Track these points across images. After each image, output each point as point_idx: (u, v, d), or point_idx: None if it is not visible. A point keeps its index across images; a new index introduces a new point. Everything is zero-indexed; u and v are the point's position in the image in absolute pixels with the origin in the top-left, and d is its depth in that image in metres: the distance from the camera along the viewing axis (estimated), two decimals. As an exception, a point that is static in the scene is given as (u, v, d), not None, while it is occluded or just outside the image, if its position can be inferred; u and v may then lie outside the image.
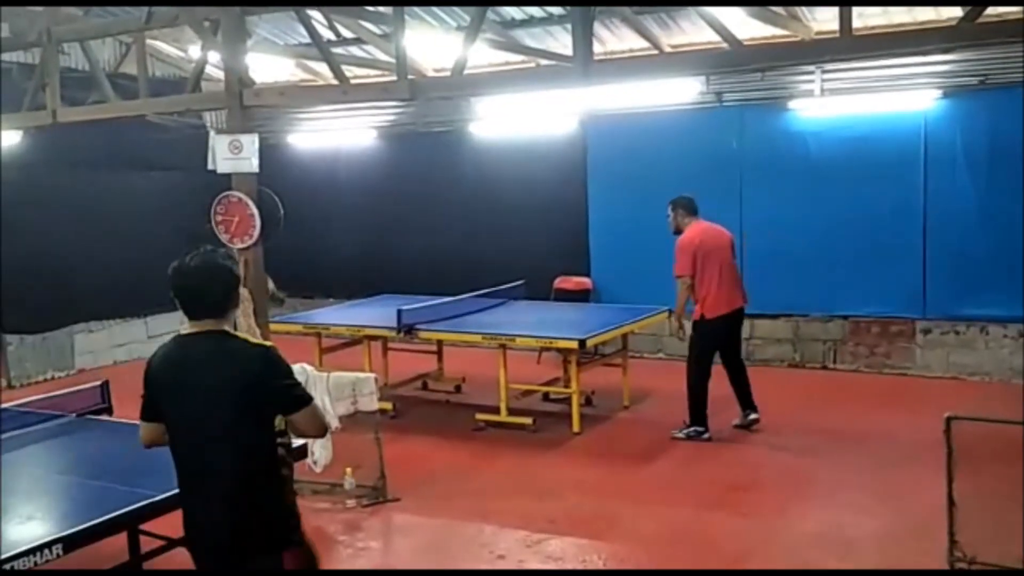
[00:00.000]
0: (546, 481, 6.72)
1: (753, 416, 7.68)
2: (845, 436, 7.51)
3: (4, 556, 3.48)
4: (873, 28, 8.16)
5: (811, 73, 9.38)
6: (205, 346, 3.21)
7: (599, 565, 5.34)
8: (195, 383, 3.17)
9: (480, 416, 8.06)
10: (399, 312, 8.08)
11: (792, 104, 9.63)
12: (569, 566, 5.32)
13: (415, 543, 5.82)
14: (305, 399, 3.27)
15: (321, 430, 3.40)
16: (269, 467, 3.28)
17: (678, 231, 7.59)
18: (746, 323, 9.61)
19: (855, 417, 8.06)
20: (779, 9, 8.49)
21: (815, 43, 7.95)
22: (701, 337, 7.51)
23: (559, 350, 8.19)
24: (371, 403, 6.38)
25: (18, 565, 3.48)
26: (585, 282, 10.67)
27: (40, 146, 9.60)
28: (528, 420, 7.86)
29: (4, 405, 5.81)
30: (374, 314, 9.00)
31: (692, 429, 7.47)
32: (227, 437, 3.16)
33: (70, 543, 3.72)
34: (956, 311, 9.19)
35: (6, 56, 9.05)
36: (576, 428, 7.76)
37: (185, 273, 3.22)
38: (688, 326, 7.67)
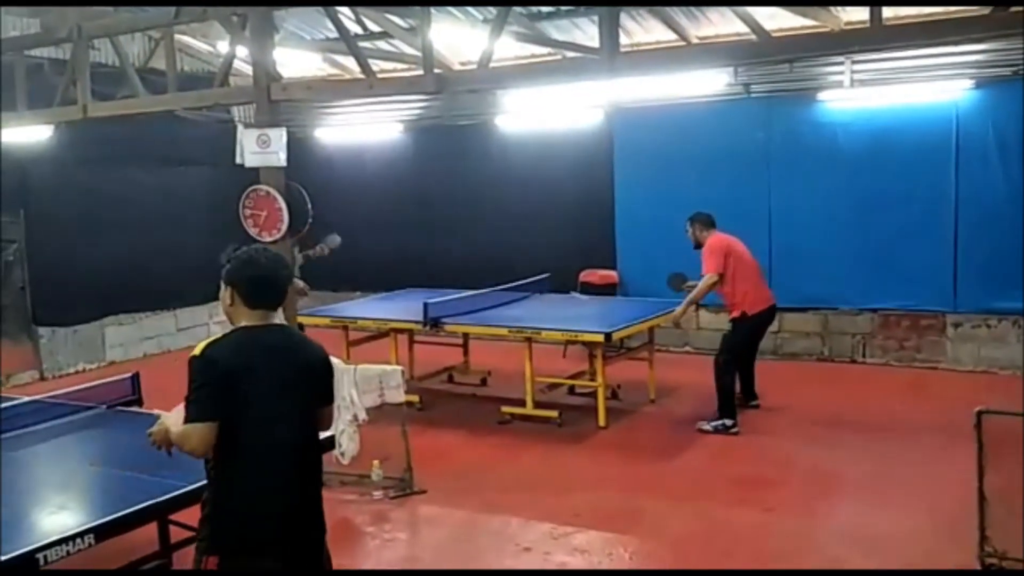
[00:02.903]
0: (572, 474, 6.73)
1: (754, 402, 8.06)
2: (874, 430, 7.45)
3: (38, 545, 3.53)
4: (903, 18, 8.06)
5: (840, 64, 9.28)
6: (279, 336, 3.30)
7: (625, 559, 5.34)
8: (290, 370, 3.22)
9: (506, 409, 8.07)
10: (425, 305, 8.10)
11: (821, 95, 9.54)
12: (595, 559, 5.32)
13: (441, 535, 5.85)
14: (333, 395, 3.58)
15: (331, 425, 3.67)
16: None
17: (698, 245, 7.78)
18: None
19: (884, 411, 7.99)
20: None
21: (844, 34, 7.87)
22: (740, 333, 7.68)
23: (585, 343, 8.19)
24: (398, 395, 6.41)
25: (51, 554, 3.53)
26: (611, 275, 10.64)
27: (71, 141, 9.71)
28: (554, 413, 7.86)
29: (38, 396, 5.88)
30: (400, 307, 9.04)
31: (720, 422, 7.47)
32: (312, 421, 3.34)
33: (102, 533, 3.76)
34: (987, 304, 9.08)
35: (37, 52, 9.16)
36: (602, 422, 7.75)
37: (261, 263, 3.28)
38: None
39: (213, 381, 3.08)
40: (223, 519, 3.18)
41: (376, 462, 6.39)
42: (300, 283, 8.67)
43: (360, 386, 6.33)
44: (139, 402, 5.88)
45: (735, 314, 7.62)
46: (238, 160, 6.72)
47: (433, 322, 8.11)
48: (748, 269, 7.67)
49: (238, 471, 3.16)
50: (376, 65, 7.89)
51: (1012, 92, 8.68)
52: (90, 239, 10.46)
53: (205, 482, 3.30)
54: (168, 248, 11.16)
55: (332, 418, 3.62)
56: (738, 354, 7.71)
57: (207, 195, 11.19)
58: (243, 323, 3.25)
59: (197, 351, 3.13)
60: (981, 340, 9.18)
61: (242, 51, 7.48)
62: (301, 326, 8.20)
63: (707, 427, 7.50)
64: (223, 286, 3.28)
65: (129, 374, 6.01)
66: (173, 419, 3.19)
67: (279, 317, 3.40)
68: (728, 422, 7.47)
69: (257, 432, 3.13)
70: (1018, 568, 4.67)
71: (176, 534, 4.72)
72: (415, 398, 8.24)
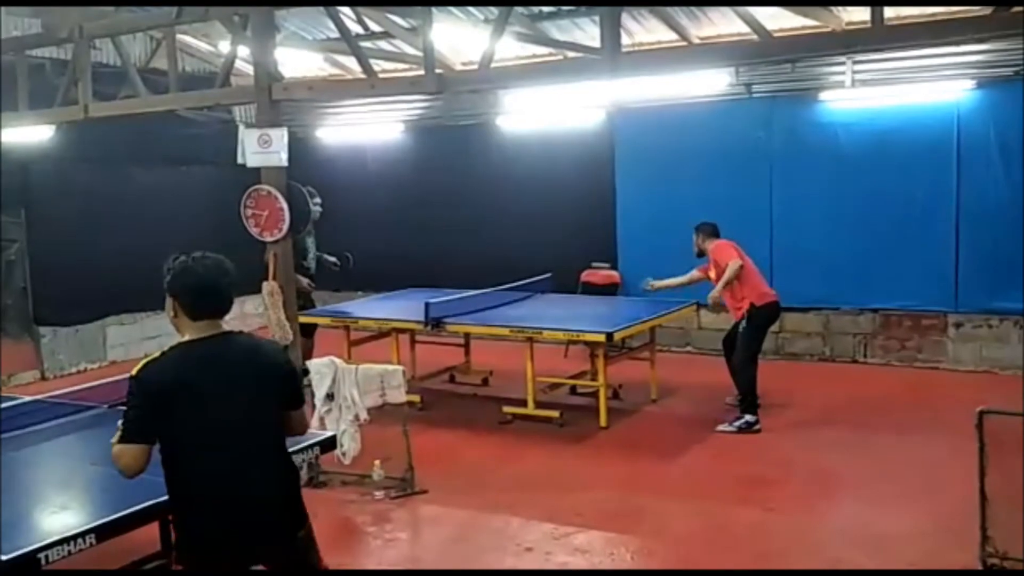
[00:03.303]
0: (573, 474, 6.72)
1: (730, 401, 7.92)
2: (875, 430, 7.45)
3: (39, 545, 3.53)
4: (905, 18, 8.06)
5: (842, 64, 9.27)
6: (230, 345, 3.27)
7: (627, 558, 5.34)
8: (234, 379, 3.21)
9: (507, 409, 8.07)
10: (427, 305, 8.10)
11: (822, 95, 9.54)
12: (596, 559, 5.32)
13: (443, 535, 5.85)
14: (303, 399, 3.55)
15: (305, 429, 3.64)
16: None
17: (701, 254, 7.87)
18: (775, 316, 9.63)
19: (886, 411, 7.99)
20: None
21: (846, 34, 7.87)
22: (755, 326, 7.62)
23: (586, 343, 8.19)
24: (399, 395, 6.41)
25: (52, 554, 3.52)
26: (613, 275, 10.64)
27: (72, 141, 9.72)
28: (555, 413, 7.86)
29: (39, 396, 5.88)
30: (402, 307, 9.04)
31: (743, 421, 7.45)
32: (269, 426, 3.32)
33: (103, 533, 3.75)
34: (989, 304, 9.07)
35: (39, 52, 9.16)
36: (603, 422, 7.74)
37: (199, 272, 3.26)
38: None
39: (145, 403, 3.12)
40: (183, 531, 3.26)
41: (377, 462, 6.39)
42: (304, 280, 8.69)
43: (361, 386, 6.33)
44: (140, 402, 5.87)
45: (745, 308, 7.56)
46: (239, 160, 6.72)
47: (434, 322, 8.11)
48: (750, 270, 7.68)
49: (188, 483, 3.20)
50: (377, 65, 7.89)
51: (1013, 92, 8.67)
52: (91, 239, 10.45)
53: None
54: (169, 248, 10.78)
55: (304, 422, 3.57)
56: (755, 350, 7.64)
57: (208, 195, 11.20)
58: (187, 336, 3.24)
59: (134, 371, 3.17)
60: (982, 340, 9.18)
61: (243, 51, 7.48)
62: (307, 327, 8.26)
63: (730, 428, 7.44)
64: (167, 298, 3.29)
65: (130, 374, 6.01)
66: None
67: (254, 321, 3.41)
68: (751, 419, 7.45)
69: (203, 443, 3.16)
70: (1019, 568, 4.66)
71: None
72: (416, 398, 8.24)
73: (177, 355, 3.19)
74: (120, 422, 3.17)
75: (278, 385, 3.33)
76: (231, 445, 3.18)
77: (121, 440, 3.13)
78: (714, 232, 7.88)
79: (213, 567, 3.19)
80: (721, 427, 7.49)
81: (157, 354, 3.20)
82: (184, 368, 3.16)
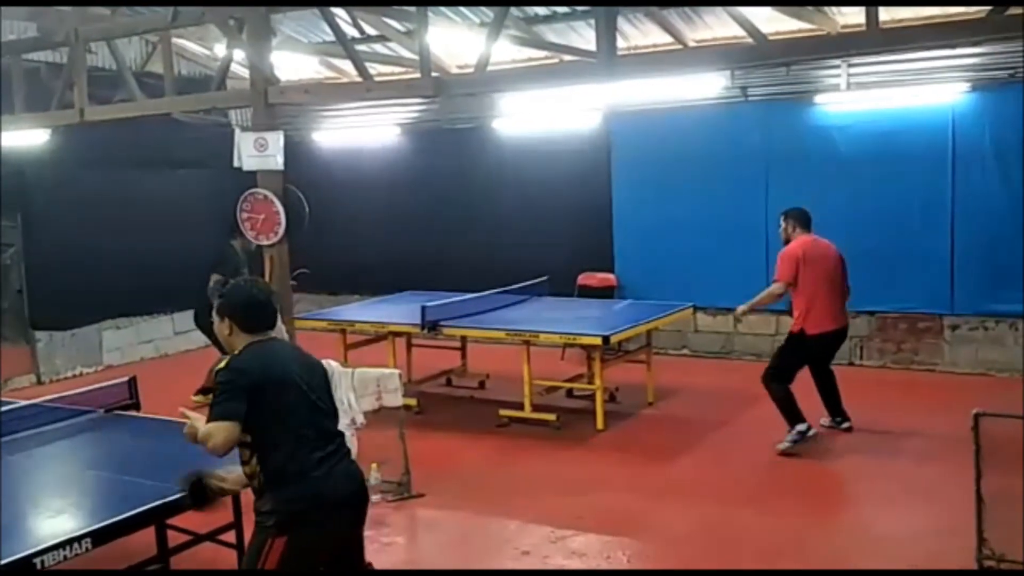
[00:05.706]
0: (570, 477, 6.72)
1: (846, 424, 7.42)
2: (872, 433, 7.45)
3: (35, 549, 3.52)
4: (900, 21, 8.09)
5: (837, 67, 9.29)
6: (286, 345, 3.82)
7: (624, 561, 5.33)
8: (309, 368, 3.66)
9: (504, 412, 8.06)
10: (423, 309, 8.10)
11: (818, 99, 9.55)
12: (594, 562, 5.32)
13: (440, 538, 5.85)
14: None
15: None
16: None
17: (787, 242, 7.25)
18: (771, 319, 9.63)
19: (882, 414, 7.98)
20: (805, 3, 8.41)
21: (841, 37, 7.88)
22: (795, 351, 7.10)
23: (583, 346, 8.19)
24: (396, 399, 6.40)
25: (48, 559, 3.52)
26: (609, 278, 10.64)
27: (68, 144, 9.70)
28: (552, 416, 7.86)
29: (35, 401, 5.87)
30: (398, 311, 9.03)
31: (795, 432, 6.93)
32: (332, 406, 3.74)
33: (99, 537, 3.75)
34: (985, 307, 9.08)
35: (35, 55, 9.15)
36: (600, 425, 7.74)
37: (261, 298, 3.69)
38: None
39: (234, 388, 3.40)
40: (287, 504, 3.45)
41: (374, 465, 6.38)
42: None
43: (358, 389, 6.31)
44: (136, 406, 5.87)
45: (794, 329, 7.10)
46: (236, 163, 6.72)
47: (431, 325, 8.10)
48: (818, 280, 7.03)
49: (290, 459, 3.45)
50: (373, 68, 7.90)
51: (1009, 95, 8.68)
52: (87, 242, 10.44)
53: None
54: (166, 251, 11.15)
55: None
56: (791, 372, 7.05)
57: (205, 198, 11.19)
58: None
59: (221, 366, 3.53)
60: (978, 342, 9.19)
61: (239, 54, 7.48)
62: None
63: (785, 444, 6.93)
64: (219, 318, 3.65)
65: (126, 378, 6.00)
66: (200, 420, 3.47)
67: (282, 334, 3.80)
68: (801, 428, 6.93)
69: (300, 423, 3.49)
70: (1016, 569, 4.67)
71: (174, 538, 4.72)
72: (413, 401, 8.23)
73: (253, 352, 3.56)
74: (211, 407, 3.43)
75: (326, 380, 3.74)
76: (324, 425, 3.58)
77: (214, 419, 3.37)
78: (804, 221, 7.22)
79: (315, 535, 3.48)
80: (779, 446, 6.97)
81: (234, 354, 3.57)
82: (265, 359, 3.53)
